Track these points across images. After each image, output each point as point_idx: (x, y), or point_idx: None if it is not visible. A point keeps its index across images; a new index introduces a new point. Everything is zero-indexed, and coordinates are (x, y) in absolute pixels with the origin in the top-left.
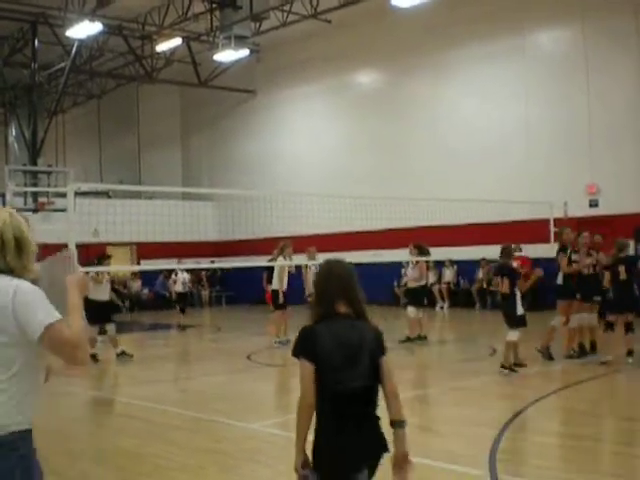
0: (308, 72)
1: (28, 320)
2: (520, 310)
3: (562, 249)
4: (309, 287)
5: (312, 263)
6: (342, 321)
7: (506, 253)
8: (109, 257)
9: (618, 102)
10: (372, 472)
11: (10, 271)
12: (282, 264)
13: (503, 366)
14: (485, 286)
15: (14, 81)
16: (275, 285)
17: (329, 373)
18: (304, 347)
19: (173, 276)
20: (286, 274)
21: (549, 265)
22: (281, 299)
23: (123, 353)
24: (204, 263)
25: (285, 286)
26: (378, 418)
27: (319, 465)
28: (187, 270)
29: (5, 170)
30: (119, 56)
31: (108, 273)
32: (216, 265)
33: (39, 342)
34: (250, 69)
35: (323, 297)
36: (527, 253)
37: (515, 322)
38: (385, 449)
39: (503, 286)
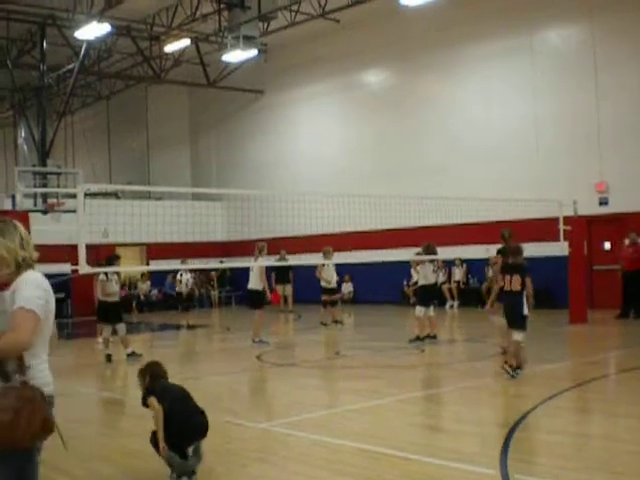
0: (316, 72)
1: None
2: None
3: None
4: (325, 280)
5: (328, 262)
6: (167, 382)
7: (517, 252)
8: (118, 257)
9: (627, 100)
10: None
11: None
12: (261, 264)
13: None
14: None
15: (23, 83)
16: (256, 285)
17: (173, 405)
18: (155, 393)
19: (178, 276)
20: (264, 274)
21: (558, 263)
22: (268, 298)
23: (133, 353)
24: (213, 263)
25: (267, 286)
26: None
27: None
28: (191, 270)
29: (15, 171)
30: (127, 57)
31: (118, 274)
32: (225, 265)
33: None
34: (258, 69)
35: (154, 378)
36: (535, 252)
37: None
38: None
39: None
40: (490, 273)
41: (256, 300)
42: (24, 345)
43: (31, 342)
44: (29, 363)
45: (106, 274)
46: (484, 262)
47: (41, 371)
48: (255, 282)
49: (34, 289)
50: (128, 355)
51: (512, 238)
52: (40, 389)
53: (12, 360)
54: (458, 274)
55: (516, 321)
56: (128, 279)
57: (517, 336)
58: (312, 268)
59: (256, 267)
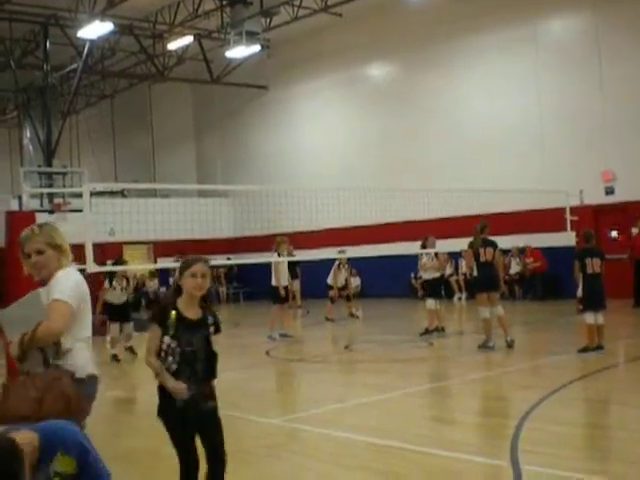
0: (320, 66)
1: None
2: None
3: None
4: (337, 281)
5: (342, 256)
6: None
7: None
8: (125, 262)
9: (631, 89)
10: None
11: None
12: (278, 260)
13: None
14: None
15: (27, 83)
16: (273, 281)
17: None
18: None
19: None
20: (285, 270)
21: (566, 253)
22: (282, 293)
23: (130, 349)
24: (220, 260)
25: (285, 282)
26: None
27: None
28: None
29: (20, 172)
30: (131, 55)
31: (128, 280)
32: (232, 262)
33: None
34: (262, 65)
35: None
36: (542, 242)
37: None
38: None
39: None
40: (463, 265)
41: (273, 296)
42: (56, 332)
43: (62, 330)
44: (70, 346)
45: (111, 282)
46: None
47: (80, 354)
48: (273, 278)
49: (65, 282)
50: (125, 349)
51: (486, 231)
52: (70, 371)
53: (50, 346)
54: (465, 266)
55: (603, 303)
56: (135, 277)
57: (601, 319)
58: (319, 263)
59: (273, 263)
